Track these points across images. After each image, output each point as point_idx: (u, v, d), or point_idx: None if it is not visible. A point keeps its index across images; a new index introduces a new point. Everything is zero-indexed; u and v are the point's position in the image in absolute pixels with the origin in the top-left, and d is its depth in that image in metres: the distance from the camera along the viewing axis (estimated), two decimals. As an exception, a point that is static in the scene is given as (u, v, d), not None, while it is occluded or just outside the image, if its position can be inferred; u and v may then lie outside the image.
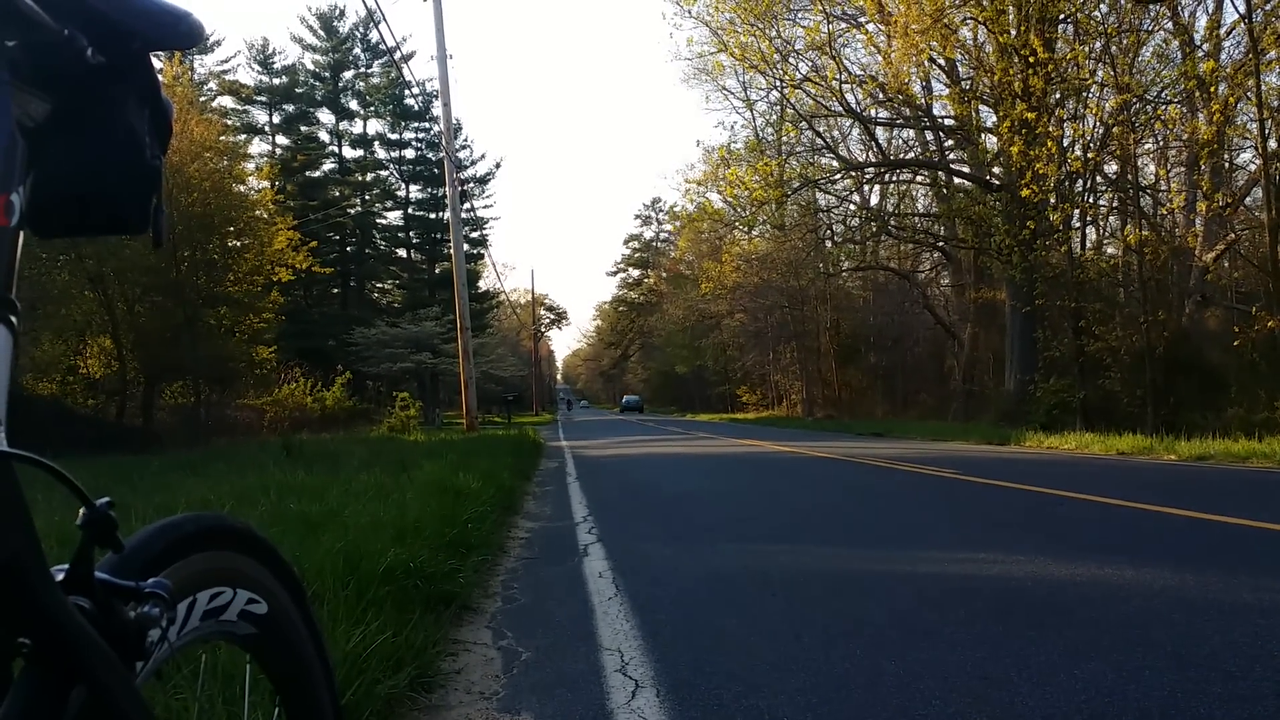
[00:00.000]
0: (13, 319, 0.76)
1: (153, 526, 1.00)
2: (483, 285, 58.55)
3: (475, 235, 53.20)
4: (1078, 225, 25.10)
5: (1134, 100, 20.40)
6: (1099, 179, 23.94)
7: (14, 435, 0.76)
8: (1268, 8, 17.56)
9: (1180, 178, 23.63)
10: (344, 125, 51.16)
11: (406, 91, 46.93)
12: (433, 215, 51.76)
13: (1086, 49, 21.40)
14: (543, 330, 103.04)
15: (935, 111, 30.19)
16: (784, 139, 36.46)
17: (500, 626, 4.06)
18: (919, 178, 34.64)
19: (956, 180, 30.74)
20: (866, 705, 2.82)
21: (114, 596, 0.86)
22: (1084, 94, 22.30)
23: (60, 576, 0.82)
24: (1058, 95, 22.21)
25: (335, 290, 49.73)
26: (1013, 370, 26.00)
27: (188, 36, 0.88)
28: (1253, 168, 22.22)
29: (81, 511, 0.84)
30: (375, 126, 51.94)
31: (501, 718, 2.88)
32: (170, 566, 0.96)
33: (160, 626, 0.89)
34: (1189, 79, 19.67)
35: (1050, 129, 20.70)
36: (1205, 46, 21.16)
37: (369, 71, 50.33)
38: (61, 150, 0.84)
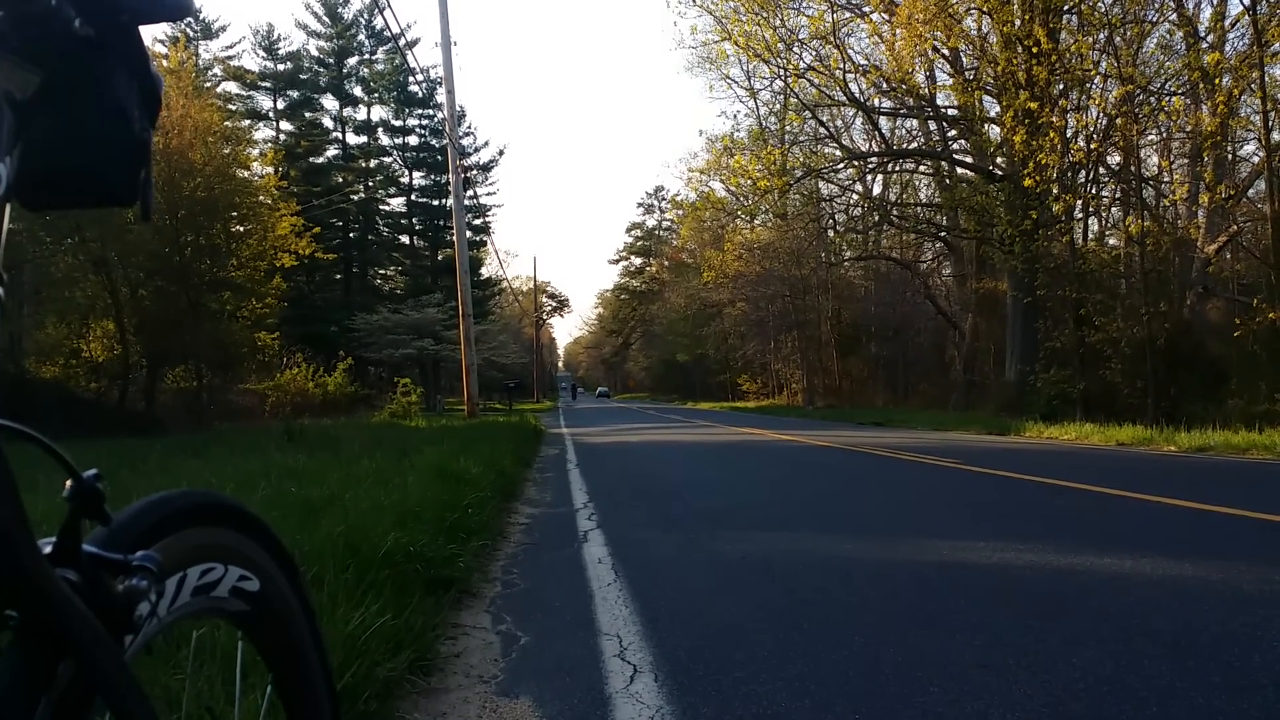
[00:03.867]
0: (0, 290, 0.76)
1: (143, 501, 0.99)
2: (485, 272, 58.64)
3: (478, 222, 53.23)
4: (1080, 216, 25.04)
5: (1137, 91, 20.32)
6: (1101, 170, 23.91)
7: (6, 412, 0.76)
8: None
9: (1183, 169, 23.56)
10: (348, 111, 51.17)
11: (410, 78, 46.91)
12: (436, 202, 51.77)
13: (1090, 40, 21.32)
14: (544, 317, 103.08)
15: (939, 101, 30.11)
16: (787, 128, 36.43)
17: (499, 611, 4.06)
18: (922, 167, 34.62)
19: (959, 170, 30.70)
20: (865, 692, 2.81)
21: (102, 570, 0.85)
22: (1087, 85, 22.23)
23: (48, 549, 0.81)
24: (1061, 86, 22.13)
25: (338, 276, 49.77)
26: (1013, 360, 25.99)
27: (176, 9, 0.87)
28: (1256, 160, 22.23)
29: (68, 483, 0.83)
30: (379, 113, 51.99)
31: (500, 701, 2.88)
32: (160, 541, 0.95)
33: (149, 600, 0.88)
34: (1193, 70, 19.61)
35: (1053, 119, 20.61)
36: (1209, 38, 21.09)
37: (373, 58, 50.29)
38: (49, 122, 0.83)
